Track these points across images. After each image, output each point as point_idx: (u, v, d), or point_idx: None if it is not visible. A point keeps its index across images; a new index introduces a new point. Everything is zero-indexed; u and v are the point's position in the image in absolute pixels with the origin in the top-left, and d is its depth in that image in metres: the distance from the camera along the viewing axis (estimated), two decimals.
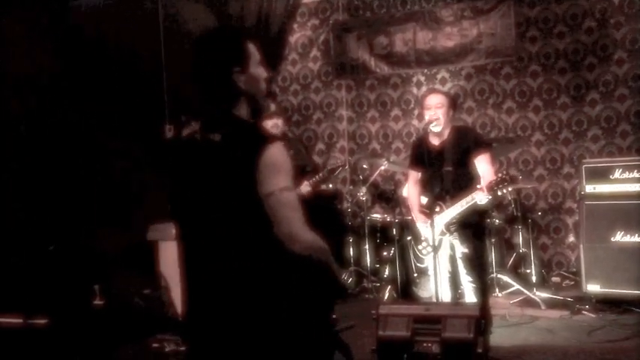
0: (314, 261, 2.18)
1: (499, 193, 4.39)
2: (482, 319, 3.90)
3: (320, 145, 7.96)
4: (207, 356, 2.23)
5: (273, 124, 5.83)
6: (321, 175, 5.71)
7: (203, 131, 2.26)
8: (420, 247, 4.90)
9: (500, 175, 4.35)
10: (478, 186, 4.43)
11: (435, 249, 4.52)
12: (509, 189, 4.37)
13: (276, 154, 2.14)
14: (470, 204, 4.47)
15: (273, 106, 6.05)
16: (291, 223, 2.12)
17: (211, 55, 2.26)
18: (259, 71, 2.33)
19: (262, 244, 2.16)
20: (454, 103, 4.97)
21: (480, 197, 4.41)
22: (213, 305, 2.20)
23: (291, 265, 2.19)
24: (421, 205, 4.94)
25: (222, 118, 2.26)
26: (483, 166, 4.58)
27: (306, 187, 5.63)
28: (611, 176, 5.52)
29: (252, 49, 2.31)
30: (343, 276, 2.36)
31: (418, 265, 5.34)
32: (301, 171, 5.82)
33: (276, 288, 2.19)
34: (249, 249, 2.17)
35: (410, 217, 5.29)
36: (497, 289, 5.86)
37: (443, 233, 4.61)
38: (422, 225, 4.82)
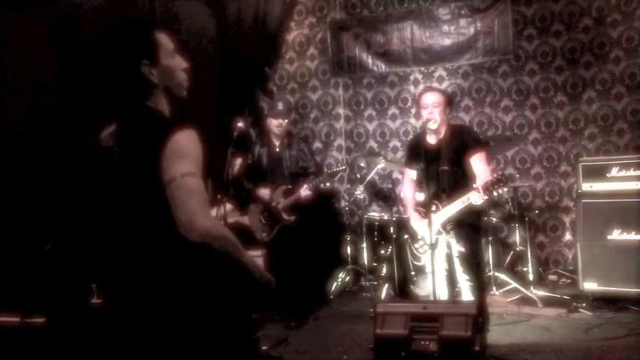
0: (215, 250, 2.05)
1: (494, 194, 4.39)
2: (479, 317, 3.91)
3: (317, 144, 7.96)
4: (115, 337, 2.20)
5: (278, 124, 5.81)
6: (320, 179, 5.69)
7: (118, 128, 2.19)
8: (416, 245, 4.91)
9: (495, 175, 4.35)
10: (474, 186, 4.44)
11: (432, 248, 4.52)
12: (505, 189, 4.37)
13: (183, 140, 2.05)
14: (465, 204, 4.48)
15: (281, 105, 6.01)
16: (189, 208, 2.00)
17: (117, 50, 2.17)
18: (174, 62, 2.23)
19: (164, 233, 2.06)
20: (451, 102, 4.98)
21: (475, 197, 4.42)
22: (119, 291, 2.16)
23: (190, 254, 2.08)
24: (417, 204, 4.95)
25: (136, 112, 2.18)
26: (479, 165, 4.58)
27: (305, 191, 5.62)
28: (608, 174, 5.53)
29: (164, 39, 2.20)
30: (263, 270, 2.28)
31: (415, 263, 5.35)
32: (303, 172, 5.82)
33: (174, 278, 2.08)
34: (152, 238, 2.10)
35: (407, 216, 5.30)
36: (494, 288, 5.87)
37: (439, 232, 4.62)
38: (418, 224, 4.83)
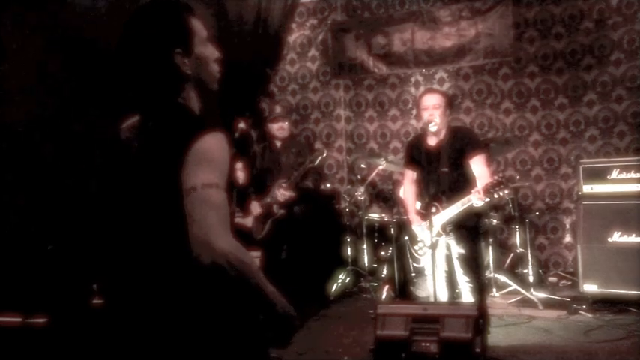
0: (232, 276, 1.75)
1: (495, 197, 4.39)
2: (480, 318, 3.92)
3: (318, 145, 7.96)
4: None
5: (278, 127, 5.83)
6: (299, 172, 5.70)
7: (142, 123, 1.97)
8: (415, 247, 4.91)
9: (496, 178, 4.36)
10: (473, 190, 4.44)
11: (432, 249, 4.53)
12: (506, 192, 4.37)
13: (209, 145, 1.79)
14: (466, 206, 4.48)
15: (278, 109, 6.05)
16: (206, 225, 1.72)
17: (147, 36, 1.91)
18: (208, 51, 1.99)
19: (179, 250, 1.79)
20: (451, 103, 4.98)
21: (475, 200, 4.42)
22: (127, 307, 1.97)
23: (203, 279, 1.79)
24: (416, 207, 4.95)
25: (163, 107, 1.93)
26: (479, 167, 4.59)
27: (280, 191, 5.65)
28: (608, 176, 5.53)
29: (198, 25, 1.97)
30: (288, 306, 1.90)
31: (415, 265, 5.36)
32: (299, 168, 5.82)
33: (185, 305, 1.84)
34: (166, 254, 1.86)
35: (407, 217, 5.31)
36: (494, 289, 5.88)
37: (439, 234, 4.62)
38: (417, 226, 4.83)
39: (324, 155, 6.02)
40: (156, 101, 1.94)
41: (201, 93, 2.01)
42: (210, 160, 1.78)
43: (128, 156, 1.96)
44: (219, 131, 1.82)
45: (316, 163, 5.86)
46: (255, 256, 5.24)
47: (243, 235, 5.63)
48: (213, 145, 1.79)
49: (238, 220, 6.04)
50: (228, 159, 1.83)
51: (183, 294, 1.84)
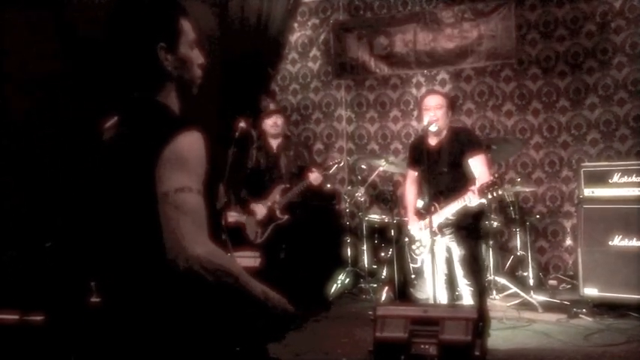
0: (212, 283, 1.70)
1: (489, 196, 4.37)
2: (480, 321, 3.90)
3: (319, 145, 7.95)
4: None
5: (272, 123, 5.78)
6: (303, 183, 5.68)
7: (120, 123, 1.94)
8: (413, 247, 4.89)
9: (491, 178, 4.35)
10: (470, 188, 4.43)
11: (430, 249, 4.52)
12: (500, 192, 4.35)
13: (182, 146, 1.73)
14: (461, 206, 4.47)
15: (272, 105, 6.03)
16: (179, 231, 1.68)
17: (132, 27, 1.90)
18: (193, 54, 1.97)
19: (155, 254, 1.73)
20: (452, 104, 4.98)
21: (470, 199, 4.40)
22: (109, 317, 1.91)
23: (182, 284, 1.74)
24: (415, 207, 4.94)
25: (141, 104, 1.91)
26: (479, 167, 4.58)
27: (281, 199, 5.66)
28: (609, 180, 5.51)
29: (187, 26, 1.95)
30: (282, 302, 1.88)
31: (412, 266, 5.35)
32: (300, 172, 5.79)
33: (165, 309, 1.79)
34: (142, 258, 1.80)
35: (406, 218, 5.30)
36: (494, 292, 5.85)
37: (435, 234, 4.60)
38: (414, 226, 4.82)
39: (341, 164, 6.02)
40: (135, 96, 1.92)
41: (182, 95, 1.98)
42: (183, 163, 1.72)
43: (108, 155, 1.94)
44: (195, 130, 1.77)
45: (331, 172, 5.84)
46: (253, 257, 5.22)
47: (241, 234, 5.64)
48: (186, 145, 1.74)
49: (237, 217, 5.99)
50: (204, 159, 1.78)
51: (162, 298, 1.80)
